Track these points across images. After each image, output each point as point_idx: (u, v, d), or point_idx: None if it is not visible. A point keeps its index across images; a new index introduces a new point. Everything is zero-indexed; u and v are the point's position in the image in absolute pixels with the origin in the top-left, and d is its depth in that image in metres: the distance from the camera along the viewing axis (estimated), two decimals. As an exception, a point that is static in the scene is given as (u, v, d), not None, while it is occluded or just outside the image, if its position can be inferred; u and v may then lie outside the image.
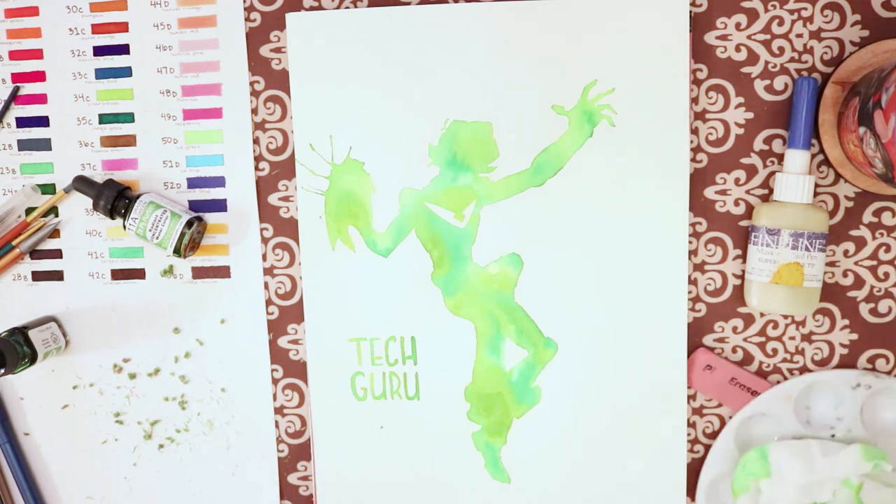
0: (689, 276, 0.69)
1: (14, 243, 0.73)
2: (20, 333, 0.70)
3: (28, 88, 0.72)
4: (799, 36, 0.66)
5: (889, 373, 0.69)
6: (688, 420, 0.70)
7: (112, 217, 0.70)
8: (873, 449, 0.66)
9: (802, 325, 0.69)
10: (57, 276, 0.74)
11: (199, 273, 0.73)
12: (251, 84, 0.70)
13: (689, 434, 0.70)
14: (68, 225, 0.73)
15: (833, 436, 0.69)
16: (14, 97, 0.72)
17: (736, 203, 0.68)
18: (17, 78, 0.72)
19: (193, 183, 0.72)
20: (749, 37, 0.66)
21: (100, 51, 0.71)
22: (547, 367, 0.69)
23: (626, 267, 0.68)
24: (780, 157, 0.67)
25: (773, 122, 0.67)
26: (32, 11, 0.72)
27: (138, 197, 0.70)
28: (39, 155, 0.73)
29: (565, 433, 0.70)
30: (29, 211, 0.73)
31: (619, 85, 0.66)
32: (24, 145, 0.73)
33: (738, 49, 0.66)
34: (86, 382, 0.75)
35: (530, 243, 0.68)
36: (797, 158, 0.64)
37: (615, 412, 0.69)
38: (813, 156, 0.67)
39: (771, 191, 0.67)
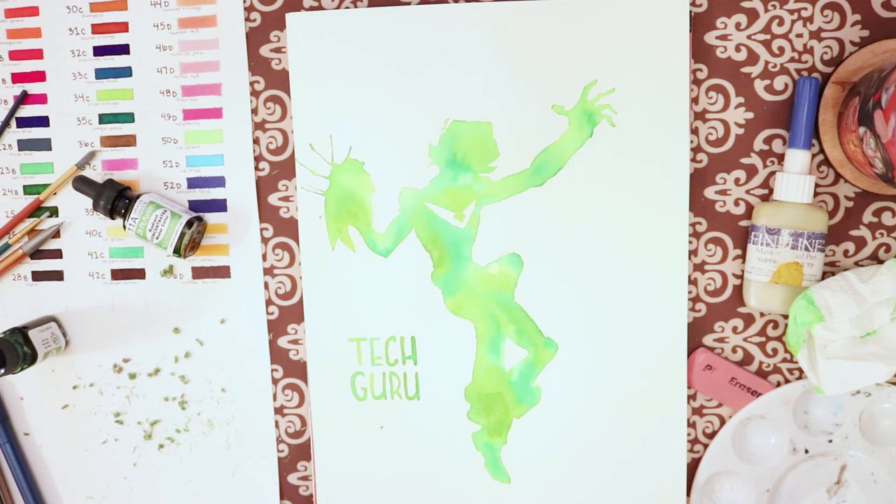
0: (689, 276, 0.69)
1: (11, 240, 0.73)
2: (20, 333, 0.70)
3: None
4: (799, 36, 0.66)
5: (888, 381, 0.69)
6: (688, 420, 0.70)
7: (112, 217, 0.70)
8: None
9: (802, 325, 0.69)
10: (57, 276, 0.74)
11: (199, 273, 0.73)
12: (251, 84, 0.70)
13: (689, 434, 0.70)
14: (68, 225, 0.73)
15: (830, 441, 0.68)
16: (20, 104, 0.72)
17: (736, 203, 0.68)
18: (18, 78, 0.72)
19: (193, 183, 0.72)
20: (749, 37, 0.66)
21: (100, 51, 0.71)
22: (547, 367, 0.69)
23: (625, 267, 0.68)
24: (780, 157, 0.67)
25: (773, 122, 0.67)
26: (32, 11, 0.72)
27: (138, 197, 0.70)
28: (39, 155, 0.73)
29: (565, 433, 0.70)
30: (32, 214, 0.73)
31: (619, 85, 0.66)
32: (24, 145, 0.73)
33: (738, 49, 0.66)
34: (86, 382, 0.75)
35: (530, 243, 0.68)
36: (797, 158, 0.64)
37: (615, 412, 0.69)
38: (813, 156, 0.66)
39: (771, 191, 0.67)
